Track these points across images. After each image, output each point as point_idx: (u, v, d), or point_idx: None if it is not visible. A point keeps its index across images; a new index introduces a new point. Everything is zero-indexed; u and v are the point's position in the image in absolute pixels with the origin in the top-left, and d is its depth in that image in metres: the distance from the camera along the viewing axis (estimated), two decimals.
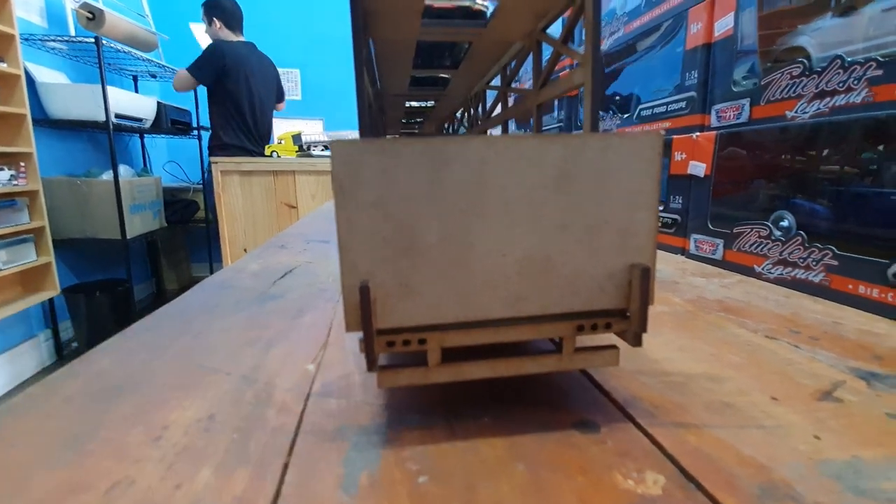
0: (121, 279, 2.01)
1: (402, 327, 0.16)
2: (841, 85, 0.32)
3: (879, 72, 0.29)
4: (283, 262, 0.48)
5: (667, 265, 0.46)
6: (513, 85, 0.32)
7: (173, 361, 0.23)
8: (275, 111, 2.48)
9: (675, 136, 0.51)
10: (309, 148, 2.31)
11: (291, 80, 3.60)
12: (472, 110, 0.46)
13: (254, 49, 2.10)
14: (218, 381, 0.21)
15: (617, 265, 0.17)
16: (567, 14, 0.22)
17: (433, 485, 0.14)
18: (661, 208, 0.55)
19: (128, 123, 2.03)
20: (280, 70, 3.79)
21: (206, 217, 2.56)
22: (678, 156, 0.50)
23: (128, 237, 1.90)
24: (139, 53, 2.04)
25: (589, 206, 0.16)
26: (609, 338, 0.19)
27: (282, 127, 3.35)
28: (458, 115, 0.54)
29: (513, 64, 0.32)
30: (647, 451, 0.16)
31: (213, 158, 1.93)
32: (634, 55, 0.59)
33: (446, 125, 0.61)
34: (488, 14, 0.29)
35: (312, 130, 3.44)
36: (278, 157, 2.33)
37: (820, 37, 0.36)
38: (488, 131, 0.44)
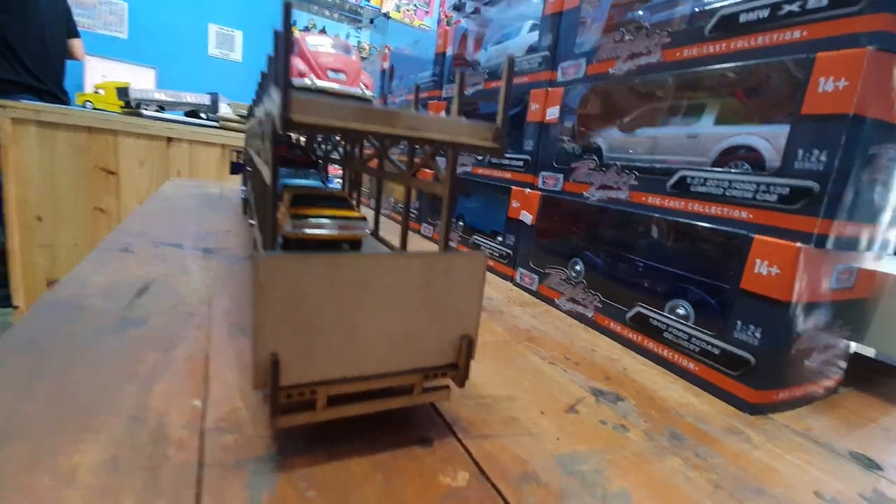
0: None
1: (298, 384, 0.22)
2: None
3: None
4: (133, 274, 0.46)
5: (498, 293, 0.58)
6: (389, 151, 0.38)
7: (49, 403, 0.24)
8: (72, 57, 2.03)
9: (513, 187, 0.63)
10: (139, 106, 2.00)
11: (115, 14, 3.02)
12: (347, 146, 0.51)
13: None
14: (108, 423, 0.23)
15: (453, 336, 0.25)
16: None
17: (318, 497, 0.20)
18: (499, 241, 0.67)
19: None
20: None
21: None
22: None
23: None
24: None
25: (439, 299, 0.24)
26: (442, 380, 0.27)
27: (98, 70, 2.80)
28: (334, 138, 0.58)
29: None
30: (460, 457, 0.25)
31: (1, 102, 1.54)
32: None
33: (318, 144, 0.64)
34: (373, 102, 0.35)
35: (142, 82, 2.94)
36: (93, 108, 1.97)
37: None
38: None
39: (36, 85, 1.83)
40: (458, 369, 0.26)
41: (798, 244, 0.32)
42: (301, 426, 0.25)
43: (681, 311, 0.43)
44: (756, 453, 0.29)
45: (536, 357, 0.40)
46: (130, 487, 0.19)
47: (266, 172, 0.23)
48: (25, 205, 1.64)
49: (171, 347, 0.32)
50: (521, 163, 0.63)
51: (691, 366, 0.39)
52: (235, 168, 1.08)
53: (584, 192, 0.52)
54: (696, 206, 0.40)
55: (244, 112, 1.95)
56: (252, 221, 0.48)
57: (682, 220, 0.41)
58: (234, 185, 1.28)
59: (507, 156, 0.66)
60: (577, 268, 0.57)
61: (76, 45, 2.02)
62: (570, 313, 0.52)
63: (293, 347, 0.21)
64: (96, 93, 2.04)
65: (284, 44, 0.17)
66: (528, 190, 0.60)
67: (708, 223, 0.39)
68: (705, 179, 0.39)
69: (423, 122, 0.20)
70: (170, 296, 0.42)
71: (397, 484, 0.22)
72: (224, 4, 3.27)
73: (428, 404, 0.29)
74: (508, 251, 0.64)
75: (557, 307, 0.54)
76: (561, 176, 0.55)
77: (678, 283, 0.45)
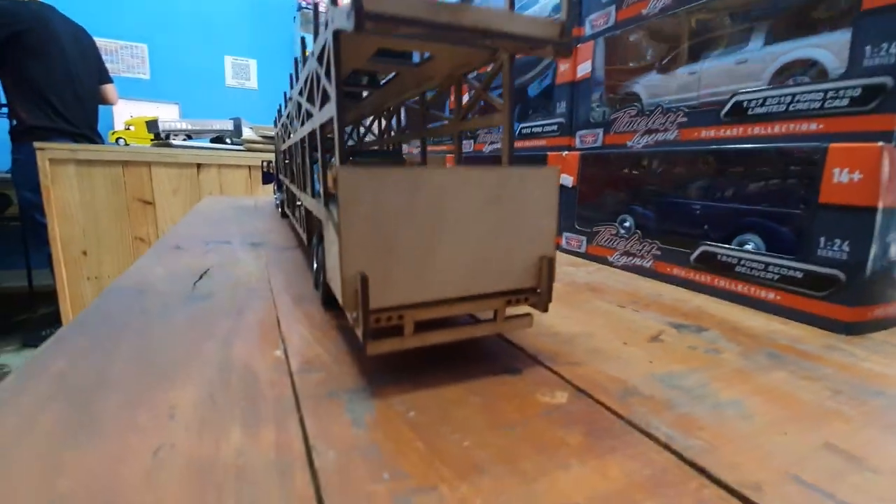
0: None
1: (385, 307, 0.21)
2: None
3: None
4: (189, 265, 0.47)
5: None
6: (430, 111, 0.38)
7: (134, 359, 0.25)
8: (106, 102, 2.12)
9: (549, 153, 0.62)
10: (168, 136, 2.08)
11: (137, 56, 3.16)
12: (382, 121, 0.51)
13: (57, 13, 1.78)
14: (196, 370, 0.23)
15: (531, 256, 0.24)
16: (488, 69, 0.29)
17: (420, 416, 0.20)
18: None
19: None
20: (123, 44, 3.31)
21: (21, 215, 2.12)
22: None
23: None
24: None
25: (513, 217, 0.23)
26: (523, 309, 0.26)
27: (128, 110, 2.93)
28: (367, 122, 0.58)
29: (433, 91, 0.38)
30: (553, 381, 0.24)
31: (38, 144, 1.62)
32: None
33: (350, 129, 0.64)
34: (415, 56, 0.34)
35: (167, 117, 3.06)
36: (126, 144, 2.06)
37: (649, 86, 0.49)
38: (405, 144, 0.50)
39: (69, 129, 1.92)
40: (539, 294, 0.25)
41: (879, 143, 0.30)
42: (385, 362, 0.25)
43: (750, 247, 0.41)
44: (864, 364, 0.27)
45: (603, 302, 0.38)
46: (232, 418, 0.19)
47: (331, 92, 0.22)
48: (70, 241, 1.72)
49: (242, 314, 0.32)
50: (554, 127, 0.62)
51: (771, 296, 0.37)
52: (267, 178, 1.10)
53: (628, 142, 0.50)
54: (757, 130, 0.38)
55: (267, 133, 2.00)
56: (300, 193, 0.48)
57: (740, 146, 0.39)
58: (267, 197, 1.31)
59: (540, 123, 0.65)
60: (627, 224, 0.55)
61: (109, 90, 2.11)
62: (625, 268, 0.51)
63: (378, 267, 0.20)
64: (127, 129, 2.13)
65: None
66: (566, 153, 0.59)
67: (772, 144, 0.37)
68: (764, 99, 0.37)
69: (489, 15, 0.19)
70: (229, 278, 0.42)
71: (496, 404, 0.21)
72: (237, 36, 3.38)
73: (507, 341, 0.29)
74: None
75: (611, 264, 0.53)
76: (600, 131, 0.54)
77: (742, 217, 0.43)
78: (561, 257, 0.58)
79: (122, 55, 3.13)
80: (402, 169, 0.20)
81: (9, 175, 2.27)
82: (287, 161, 0.64)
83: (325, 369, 0.24)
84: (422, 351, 0.26)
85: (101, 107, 2.12)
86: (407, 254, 0.21)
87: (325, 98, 0.25)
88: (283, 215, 0.85)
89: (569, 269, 0.50)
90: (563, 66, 0.59)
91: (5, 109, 2.30)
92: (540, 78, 0.73)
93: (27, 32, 1.64)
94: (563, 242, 0.61)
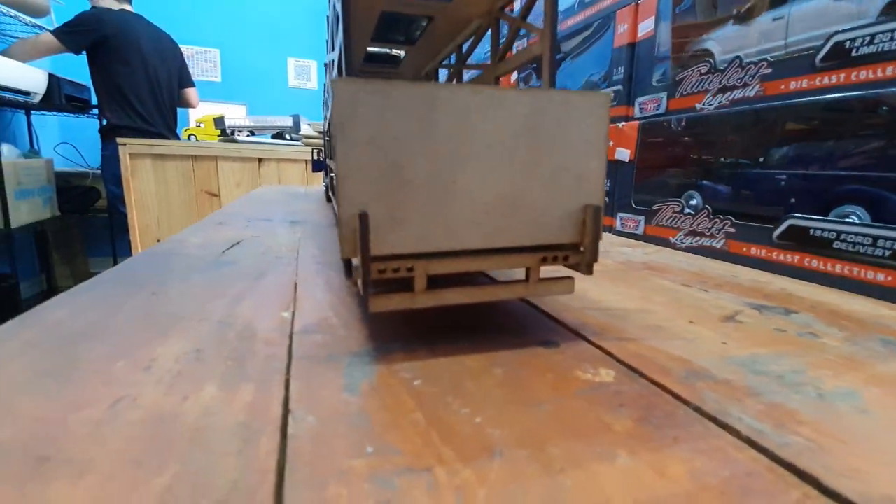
0: (4, 274, 1.77)
1: (392, 255, 0.18)
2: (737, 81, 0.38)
3: None
4: (226, 236, 0.46)
5: None
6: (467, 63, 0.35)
7: (136, 313, 0.23)
8: (187, 105, 2.25)
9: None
10: (233, 132, 2.19)
11: (210, 61, 3.36)
12: None
13: (144, 21, 1.91)
14: (194, 325, 0.21)
15: (573, 205, 0.20)
16: None
17: (427, 385, 0.16)
18: None
19: (11, 97, 1.78)
20: (198, 49, 3.54)
21: (108, 206, 2.31)
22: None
23: (12, 226, 1.67)
24: (27, 18, 1.80)
25: (552, 153, 0.19)
26: (562, 271, 0.22)
27: (201, 110, 3.11)
28: None
29: (467, 43, 0.34)
30: (598, 357, 0.19)
31: (120, 140, 1.75)
32: (566, 53, 0.64)
33: None
34: None
35: (235, 115, 3.24)
36: (197, 140, 2.18)
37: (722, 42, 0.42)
38: None
39: (145, 128, 2.06)
40: (581, 252, 0.20)
41: None
42: (398, 328, 0.21)
43: (853, 220, 0.34)
44: None
45: (664, 280, 0.33)
46: (212, 374, 0.17)
47: (338, 7, 0.20)
48: (147, 230, 1.84)
49: (261, 277, 0.31)
50: (611, 96, 0.56)
51: (880, 276, 0.30)
52: (317, 166, 1.11)
53: (697, 104, 0.44)
54: (863, 74, 0.31)
55: (321, 129, 2.05)
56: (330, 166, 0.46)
57: (839, 96, 0.32)
58: (318, 186, 1.33)
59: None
60: (694, 202, 0.49)
61: (190, 93, 2.24)
62: (691, 249, 0.44)
63: (383, 206, 0.17)
64: (198, 126, 2.26)
65: None
66: (622, 124, 0.53)
67: (883, 90, 0.30)
68: (872, 36, 0.30)
69: None
70: (260, 247, 0.41)
71: (522, 377, 0.17)
72: (299, 38, 3.51)
73: (546, 313, 0.24)
74: (604, 198, 0.57)
75: (673, 246, 0.46)
76: (663, 95, 0.48)
77: (840, 185, 0.36)
78: (615, 239, 0.52)
79: (197, 60, 3.34)
80: (413, 84, 0.17)
81: (99, 171, 2.49)
82: (328, 139, 0.63)
83: (330, 332, 0.21)
84: (442, 316, 0.22)
85: (178, 109, 2.26)
86: (419, 191, 0.17)
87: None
88: (329, 199, 0.84)
89: (624, 250, 0.45)
90: (623, 27, 0.53)
91: (94, 111, 2.53)
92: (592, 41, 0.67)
93: (112, 38, 1.78)
94: (618, 224, 0.55)
